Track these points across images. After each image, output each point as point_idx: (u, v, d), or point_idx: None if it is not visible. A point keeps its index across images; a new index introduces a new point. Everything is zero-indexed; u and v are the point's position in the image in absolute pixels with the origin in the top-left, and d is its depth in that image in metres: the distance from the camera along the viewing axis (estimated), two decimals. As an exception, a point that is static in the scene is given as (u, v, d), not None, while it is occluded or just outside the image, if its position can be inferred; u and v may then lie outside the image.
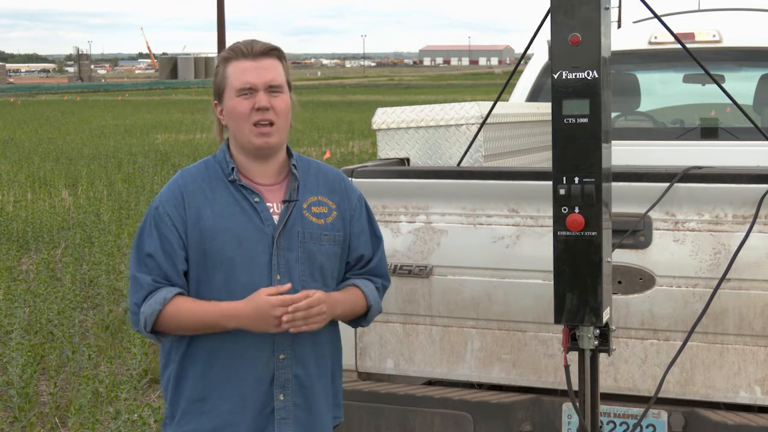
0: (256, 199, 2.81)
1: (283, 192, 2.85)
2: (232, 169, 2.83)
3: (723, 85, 3.89)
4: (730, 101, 3.62)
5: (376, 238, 2.99)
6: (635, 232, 3.42)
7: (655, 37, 5.44)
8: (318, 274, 2.83)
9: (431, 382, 3.87)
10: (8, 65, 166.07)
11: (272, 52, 2.81)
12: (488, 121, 3.97)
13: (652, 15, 3.39)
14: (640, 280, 3.44)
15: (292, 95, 2.87)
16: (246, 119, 2.77)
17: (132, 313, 2.81)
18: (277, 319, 2.68)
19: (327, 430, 2.92)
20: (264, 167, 2.85)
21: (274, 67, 2.80)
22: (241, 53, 2.78)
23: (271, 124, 2.78)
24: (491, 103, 4.02)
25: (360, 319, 2.97)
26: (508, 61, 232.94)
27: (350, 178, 3.54)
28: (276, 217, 2.81)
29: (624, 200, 3.33)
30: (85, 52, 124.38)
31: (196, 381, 2.81)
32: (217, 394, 2.80)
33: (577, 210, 2.81)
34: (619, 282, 3.45)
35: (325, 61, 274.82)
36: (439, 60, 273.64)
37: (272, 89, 2.78)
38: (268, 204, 2.82)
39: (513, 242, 3.57)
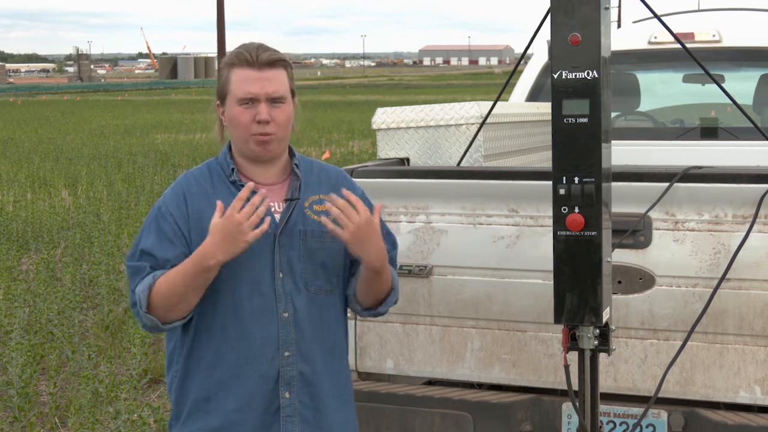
0: None
1: (284, 191, 2.86)
2: (233, 169, 2.83)
3: (723, 85, 3.89)
4: (730, 101, 3.62)
5: (386, 234, 2.94)
6: (635, 232, 3.42)
7: (655, 37, 5.44)
8: (321, 271, 2.84)
9: (431, 382, 3.87)
10: (8, 65, 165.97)
11: (277, 62, 2.79)
12: (488, 121, 3.97)
13: (652, 15, 3.39)
14: (640, 280, 3.44)
15: (295, 100, 2.87)
16: (246, 129, 2.78)
17: (131, 304, 2.79)
18: (244, 233, 2.63)
19: (336, 428, 2.91)
20: (265, 169, 2.85)
21: (278, 78, 2.78)
22: (246, 61, 2.76)
23: (271, 135, 2.78)
24: (491, 103, 4.02)
25: (379, 306, 2.92)
26: (507, 61, 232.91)
27: (350, 176, 3.54)
28: (278, 216, 2.82)
29: (624, 200, 3.33)
30: (85, 52, 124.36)
31: (201, 380, 2.81)
32: (222, 393, 2.80)
33: (577, 210, 2.81)
34: (619, 282, 3.45)
35: (325, 61, 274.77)
36: (439, 60, 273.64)
37: (274, 101, 2.78)
38: (270, 203, 2.83)
39: (513, 242, 3.57)
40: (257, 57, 2.76)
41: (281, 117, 2.78)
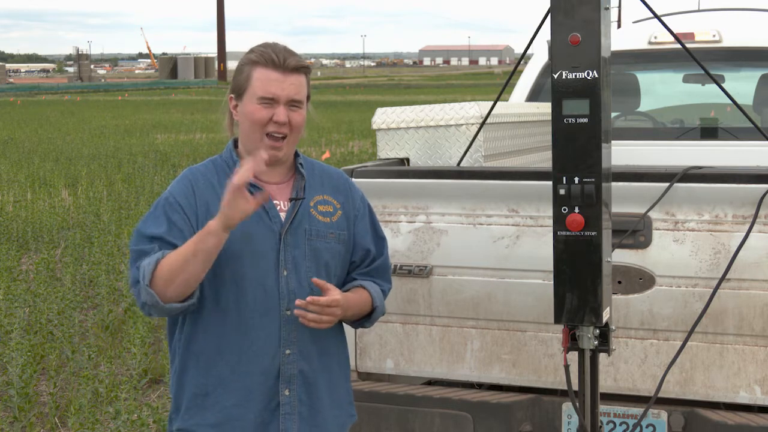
0: None
1: (289, 190, 2.88)
2: (239, 167, 2.84)
3: (723, 85, 3.89)
4: (730, 101, 3.62)
5: (379, 239, 3.01)
6: (635, 232, 3.42)
7: (655, 37, 5.44)
8: (323, 271, 2.86)
9: (431, 382, 3.87)
10: (8, 65, 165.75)
11: (302, 69, 2.83)
12: (488, 121, 3.97)
13: (652, 15, 3.39)
14: (640, 280, 3.44)
15: (309, 105, 2.89)
16: (261, 127, 2.79)
17: (132, 282, 2.71)
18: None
19: (329, 426, 2.92)
20: (270, 167, 2.86)
21: (300, 84, 2.82)
22: (272, 63, 2.79)
23: (284, 137, 2.80)
24: (491, 103, 4.02)
25: (363, 320, 2.98)
26: (507, 61, 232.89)
27: (350, 178, 3.54)
28: (283, 215, 2.84)
29: (624, 200, 3.33)
30: (85, 52, 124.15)
31: (201, 375, 2.82)
32: (222, 388, 2.81)
33: (577, 210, 2.81)
34: (619, 282, 3.45)
35: (325, 61, 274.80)
36: (439, 60, 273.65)
37: (293, 104, 2.80)
38: (275, 202, 2.85)
39: (513, 242, 3.57)
40: (284, 61, 2.79)
41: (297, 119, 2.82)
